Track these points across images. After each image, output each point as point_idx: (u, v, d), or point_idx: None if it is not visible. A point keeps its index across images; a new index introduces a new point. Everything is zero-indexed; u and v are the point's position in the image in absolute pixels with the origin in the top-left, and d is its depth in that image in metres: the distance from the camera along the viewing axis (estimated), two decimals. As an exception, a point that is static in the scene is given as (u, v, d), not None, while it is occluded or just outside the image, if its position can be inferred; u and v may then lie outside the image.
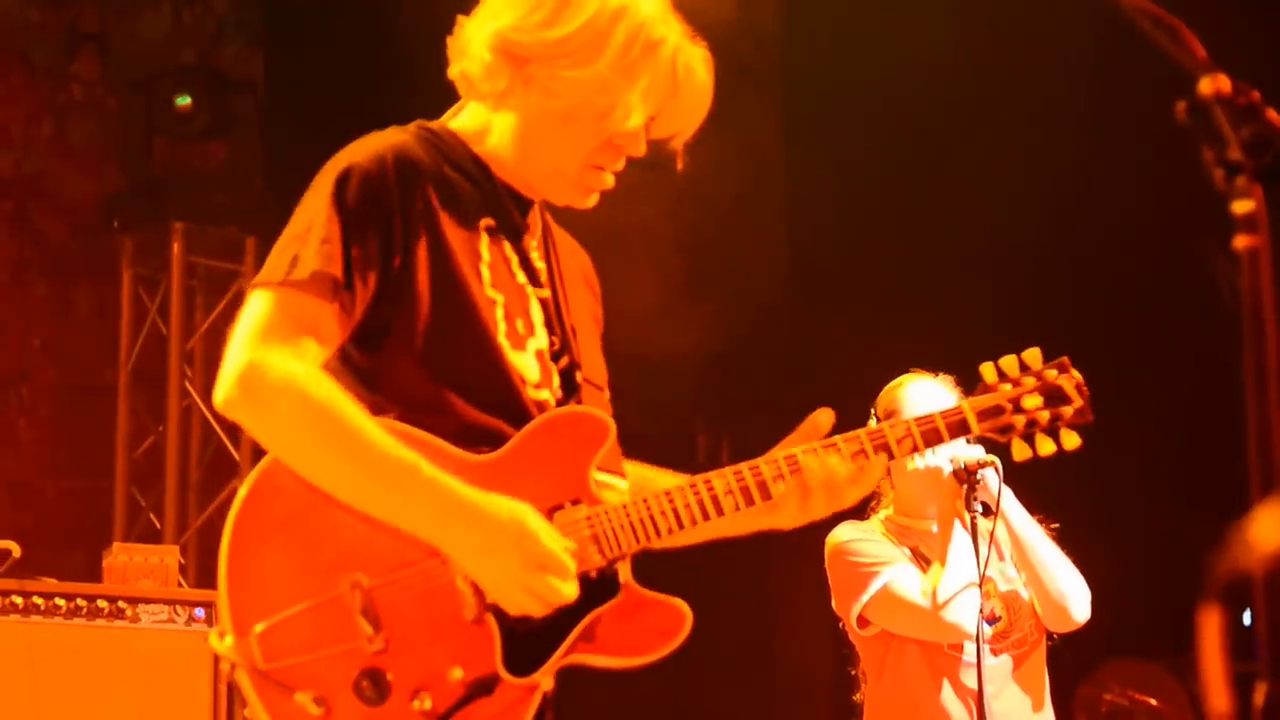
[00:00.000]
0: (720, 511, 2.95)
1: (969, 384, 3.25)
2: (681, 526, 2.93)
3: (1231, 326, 1.90)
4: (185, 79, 8.92)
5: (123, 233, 9.07)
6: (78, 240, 9.24)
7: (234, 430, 8.84)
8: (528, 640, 2.81)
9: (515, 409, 2.95)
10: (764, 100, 8.13)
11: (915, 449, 3.04)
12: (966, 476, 4.79)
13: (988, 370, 3.10)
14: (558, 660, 2.83)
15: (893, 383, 5.08)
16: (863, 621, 4.98)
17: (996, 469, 4.78)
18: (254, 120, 9.02)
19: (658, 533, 2.92)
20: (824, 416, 3.05)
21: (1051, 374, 3.10)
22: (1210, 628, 1.75)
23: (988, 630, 4.82)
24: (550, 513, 2.86)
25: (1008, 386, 3.08)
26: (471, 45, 3.04)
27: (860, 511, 5.19)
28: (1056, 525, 5.05)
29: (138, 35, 9.21)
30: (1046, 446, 3.08)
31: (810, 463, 2.99)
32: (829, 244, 8.36)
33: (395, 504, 2.78)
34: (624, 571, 2.92)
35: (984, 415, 3.06)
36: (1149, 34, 2.03)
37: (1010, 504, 4.89)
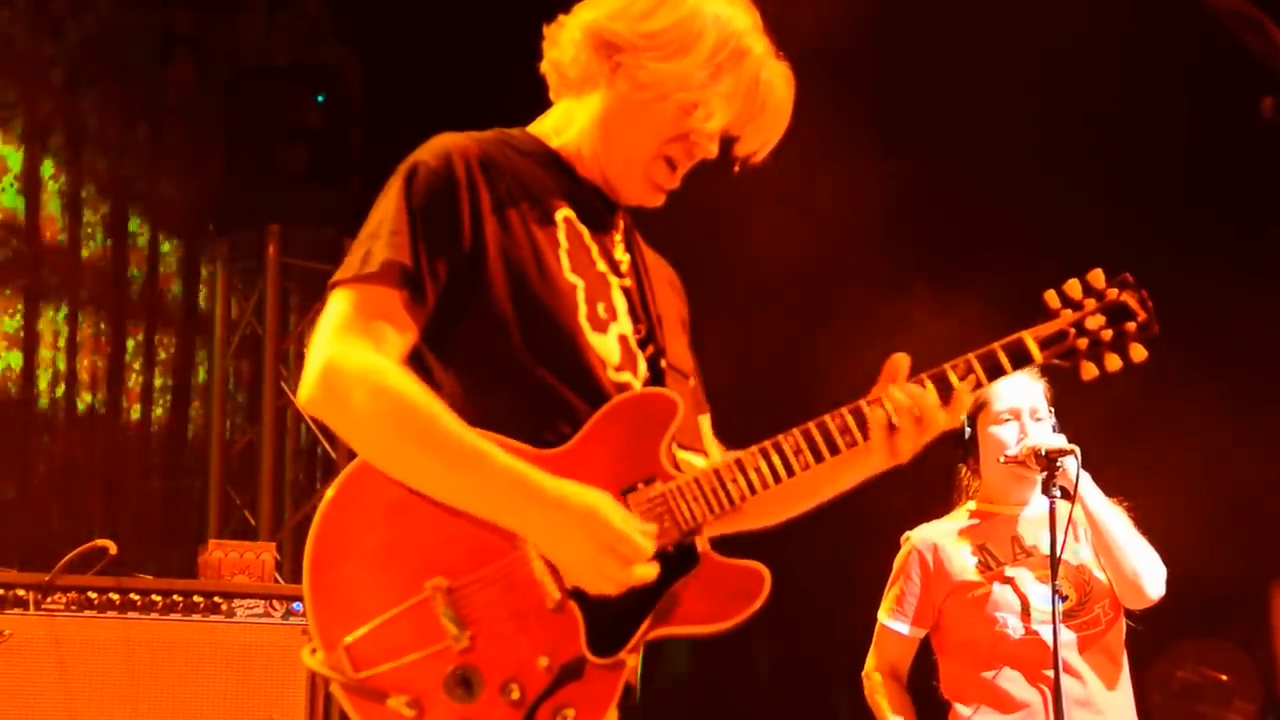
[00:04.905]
0: (791, 471, 2.96)
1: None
2: (754, 491, 2.94)
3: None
4: (281, 80, 8.97)
5: (218, 235, 9.16)
6: (172, 243, 9.32)
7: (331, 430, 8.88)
8: (611, 620, 2.84)
9: (594, 390, 2.98)
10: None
11: (979, 384, 3.00)
12: (1047, 464, 4.93)
13: (1051, 296, 3.07)
14: (642, 636, 2.86)
15: None
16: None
17: (1076, 456, 4.92)
18: (350, 121, 9.07)
19: (730, 501, 2.93)
20: (901, 359, 3.03)
21: (1114, 292, 3.07)
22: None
23: (1057, 607, 4.96)
24: (624, 494, 2.90)
25: (1069, 311, 3.06)
26: (565, 33, 3.16)
27: (945, 506, 5.32)
28: (1130, 505, 5.17)
29: (232, 37, 9.29)
30: (1114, 363, 3.06)
31: (894, 394, 2.98)
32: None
33: (471, 490, 2.82)
34: (701, 542, 2.95)
35: (1046, 342, 3.04)
36: (1234, 28, 2.03)
37: (1088, 488, 5.03)
